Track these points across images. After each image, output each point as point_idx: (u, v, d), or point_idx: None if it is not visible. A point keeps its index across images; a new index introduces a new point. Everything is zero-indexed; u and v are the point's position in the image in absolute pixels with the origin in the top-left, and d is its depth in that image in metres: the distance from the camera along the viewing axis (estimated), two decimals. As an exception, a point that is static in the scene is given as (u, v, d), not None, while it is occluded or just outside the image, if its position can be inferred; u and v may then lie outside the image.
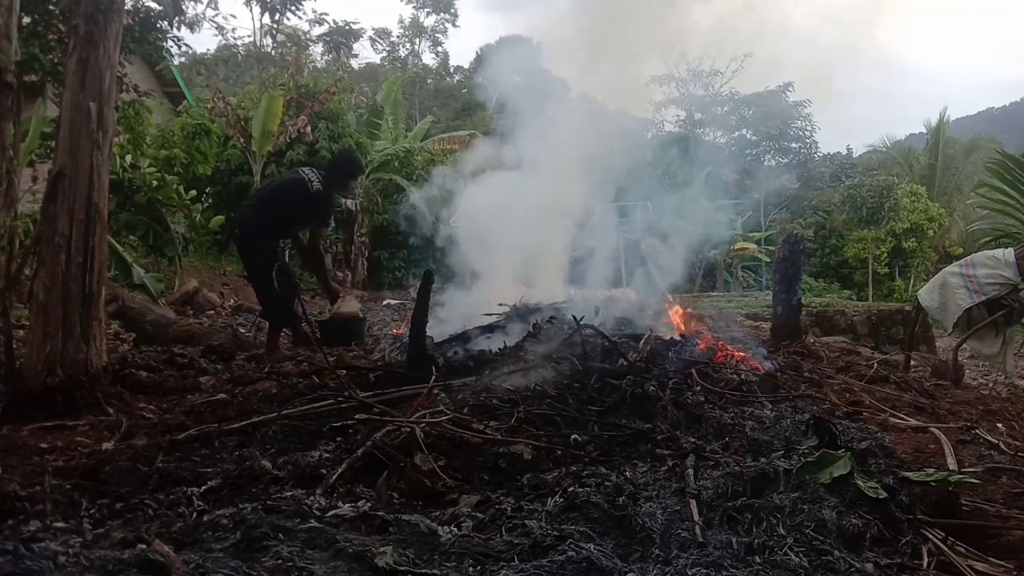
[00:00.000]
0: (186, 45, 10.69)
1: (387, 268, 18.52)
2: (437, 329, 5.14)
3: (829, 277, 26.26)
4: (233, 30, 47.37)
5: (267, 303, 6.19)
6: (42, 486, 2.50)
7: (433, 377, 3.79)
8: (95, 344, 3.81)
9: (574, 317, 4.52)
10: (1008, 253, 6.16)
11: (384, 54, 44.67)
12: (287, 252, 16.45)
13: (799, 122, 32.79)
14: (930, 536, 2.21)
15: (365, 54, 43.08)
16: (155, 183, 12.14)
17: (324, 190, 6.07)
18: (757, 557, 1.99)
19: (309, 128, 16.13)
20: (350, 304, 6.58)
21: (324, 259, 6.61)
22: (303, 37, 32.40)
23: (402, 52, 44.89)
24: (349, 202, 16.96)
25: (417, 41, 44.46)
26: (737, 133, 33.37)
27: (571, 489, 2.46)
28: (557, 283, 6.57)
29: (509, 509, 2.35)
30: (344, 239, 17.31)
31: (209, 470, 2.71)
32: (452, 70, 43.90)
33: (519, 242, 6.30)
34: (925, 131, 31.52)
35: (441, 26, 44.10)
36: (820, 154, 33.99)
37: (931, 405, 4.51)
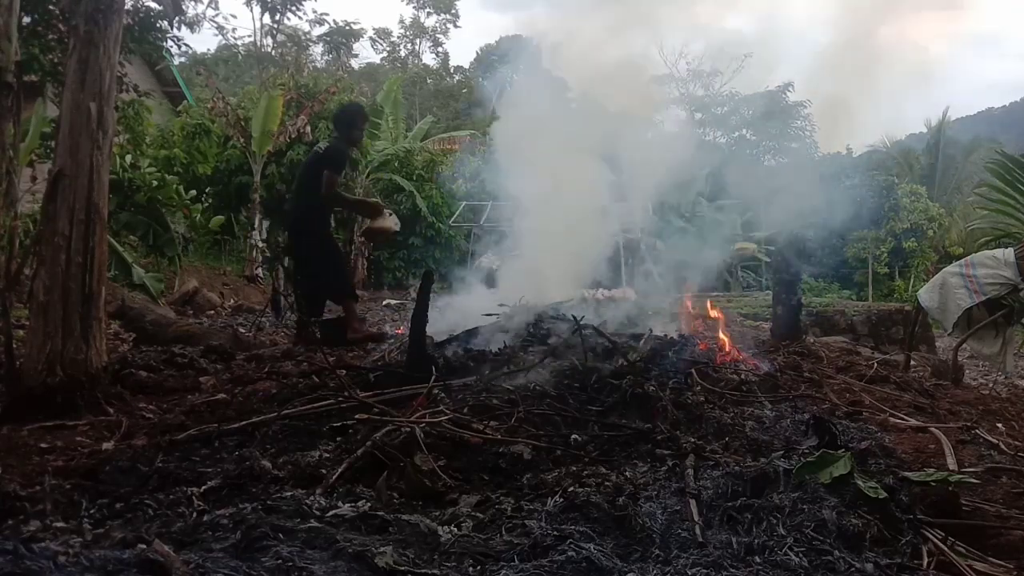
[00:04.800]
0: (186, 45, 10.68)
1: (387, 268, 18.54)
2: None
3: (829, 277, 26.24)
4: (233, 30, 47.40)
5: (337, 280, 6.34)
6: (42, 486, 2.50)
7: (433, 377, 3.79)
8: (95, 344, 3.81)
9: (574, 317, 4.52)
10: (1008, 253, 6.15)
11: (384, 54, 44.70)
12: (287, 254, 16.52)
13: (799, 122, 32.76)
14: (930, 536, 2.21)
15: (365, 54, 43.14)
16: (155, 183, 12.16)
17: (332, 145, 6.33)
18: (757, 557, 1.99)
19: (309, 128, 16.14)
20: (388, 220, 6.66)
21: (343, 197, 6.79)
22: (303, 37, 32.43)
23: (402, 52, 44.92)
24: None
25: (418, 41, 44.47)
26: (737, 133, 33.33)
27: (571, 489, 2.45)
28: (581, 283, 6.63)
29: (509, 509, 2.35)
30: (344, 239, 17.30)
31: (209, 470, 2.71)
32: (452, 70, 43.89)
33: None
34: (925, 131, 31.52)
35: (442, 26, 44.14)
36: (820, 154, 33.94)
37: (931, 405, 4.51)
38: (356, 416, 3.15)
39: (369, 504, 2.37)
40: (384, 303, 13.45)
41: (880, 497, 2.27)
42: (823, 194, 7.46)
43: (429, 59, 44.90)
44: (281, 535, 2.03)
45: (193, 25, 20.06)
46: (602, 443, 3.10)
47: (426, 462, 2.64)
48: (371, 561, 1.91)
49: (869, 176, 25.47)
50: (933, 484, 2.49)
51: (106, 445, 3.16)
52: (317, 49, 34.85)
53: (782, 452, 2.82)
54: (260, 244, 15.95)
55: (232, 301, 12.29)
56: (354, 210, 7.13)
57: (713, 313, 6.43)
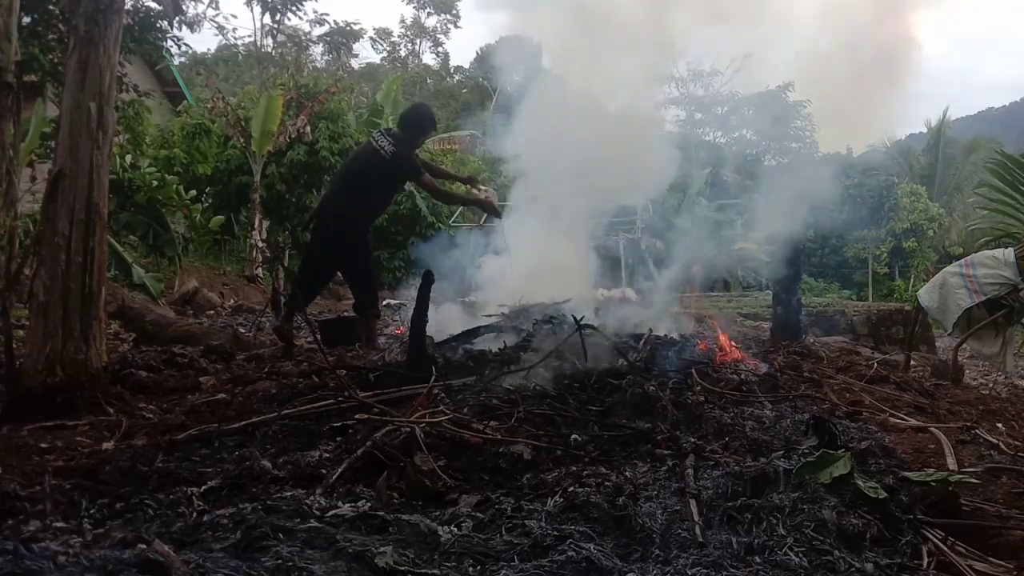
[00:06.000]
0: (186, 45, 10.71)
1: (387, 268, 18.52)
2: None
3: (829, 277, 26.26)
4: (234, 30, 47.41)
5: (367, 292, 6.13)
6: (42, 486, 2.49)
7: (433, 377, 3.79)
8: (95, 344, 3.81)
9: (574, 317, 4.52)
10: (1008, 253, 6.16)
11: (384, 54, 44.65)
12: (288, 254, 16.54)
13: (799, 122, 32.73)
14: (930, 536, 2.21)
15: (365, 54, 43.08)
16: (155, 183, 12.18)
17: (400, 152, 5.85)
18: (757, 557, 1.99)
19: (309, 128, 16.11)
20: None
21: (448, 192, 6.71)
22: (303, 37, 32.43)
23: (403, 52, 44.89)
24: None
25: (418, 41, 44.45)
26: (737, 133, 33.30)
27: (571, 489, 2.45)
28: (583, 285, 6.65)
29: (509, 509, 2.35)
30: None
31: (209, 470, 2.71)
32: (452, 70, 43.86)
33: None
34: (925, 131, 31.57)
35: (442, 26, 44.09)
36: (820, 154, 33.90)
37: (931, 405, 4.51)
38: (356, 416, 3.15)
39: (369, 504, 2.37)
40: (384, 303, 13.44)
41: (880, 497, 2.27)
42: (823, 194, 7.46)
43: (429, 59, 44.89)
44: (281, 535, 2.03)
45: (193, 25, 20.10)
46: (602, 443, 3.10)
47: (426, 462, 2.64)
48: (371, 561, 1.91)
49: (869, 176, 25.49)
50: (933, 484, 2.49)
51: (106, 445, 3.16)
52: (317, 49, 34.85)
53: (782, 452, 2.82)
54: (260, 244, 15.94)
55: (232, 301, 12.30)
56: (459, 202, 7.15)
57: (709, 315, 6.44)
